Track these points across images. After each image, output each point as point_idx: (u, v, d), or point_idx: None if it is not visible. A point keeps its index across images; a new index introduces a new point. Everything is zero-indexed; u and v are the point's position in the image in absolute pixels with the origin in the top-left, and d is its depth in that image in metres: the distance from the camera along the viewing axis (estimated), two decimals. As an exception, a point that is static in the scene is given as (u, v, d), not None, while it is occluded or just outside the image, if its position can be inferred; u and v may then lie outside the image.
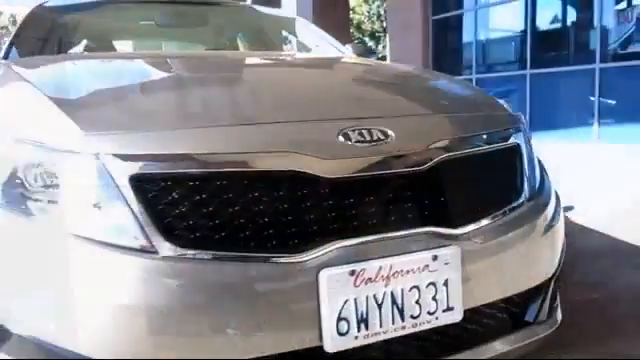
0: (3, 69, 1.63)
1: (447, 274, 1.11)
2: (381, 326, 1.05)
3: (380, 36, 22.32)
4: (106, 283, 0.95)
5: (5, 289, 1.01)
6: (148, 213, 0.96)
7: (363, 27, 23.59)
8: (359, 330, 1.03)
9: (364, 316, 1.03)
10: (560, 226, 1.39)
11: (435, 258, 1.10)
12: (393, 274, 1.06)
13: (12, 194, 1.03)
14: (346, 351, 1.03)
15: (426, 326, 1.10)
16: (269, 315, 0.99)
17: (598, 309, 1.96)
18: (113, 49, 2.46)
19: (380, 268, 1.04)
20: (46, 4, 2.54)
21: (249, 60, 2.09)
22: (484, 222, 1.20)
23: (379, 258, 1.05)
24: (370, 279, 1.04)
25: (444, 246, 1.11)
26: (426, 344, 1.15)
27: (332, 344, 1.01)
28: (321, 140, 1.09)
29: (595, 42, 7.42)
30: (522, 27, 8.69)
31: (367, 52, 2.76)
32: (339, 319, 1.01)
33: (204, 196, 0.99)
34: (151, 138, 1.02)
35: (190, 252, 0.96)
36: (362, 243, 1.05)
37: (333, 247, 1.02)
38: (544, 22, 8.66)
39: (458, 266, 1.12)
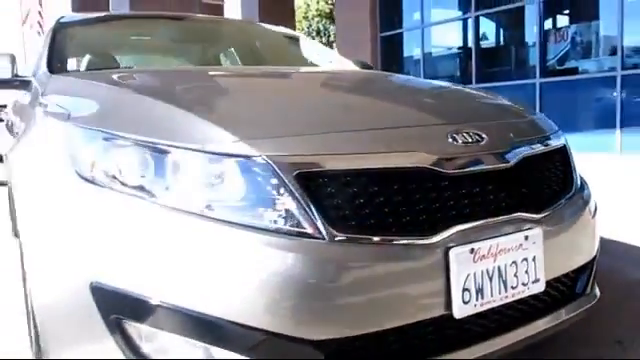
0: (93, 84, 1.71)
1: (534, 251, 1.34)
2: (491, 295, 1.26)
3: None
4: (277, 265, 1.10)
5: (171, 273, 1.13)
6: (312, 204, 1.12)
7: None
8: (477, 299, 1.24)
9: (480, 287, 1.24)
10: (597, 215, 1.66)
11: (526, 238, 1.32)
12: (499, 252, 1.27)
13: (177, 191, 1.16)
14: (467, 317, 1.23)
15: (520, 296, 1.32)
16: (412, 288, 1.18)
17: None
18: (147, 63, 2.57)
19: (490, 247, 1.26)
20: (70, 18, 2.61)
21: (316, 75, 2.28)
22: (553, 208, 1.44)
23: (488, 239, 1.26)
24: (483, 256, 1.25)
25: (531, 228, 1.34)
26: (517, 313, 1.37)
27: (459, 311, 1.21)
28: (436, 141, 1.29)
29: (535, 59, 8.06)
30: (468, 44, 9.28)
31: (366, 66, 3.00)
32: (464, 290, 1.21)
33: (354, 189, 1.17)
34: (308, 142, 1.19)
35: (349, 236, 1.13)
36: (475, 226, 1.26)
37: (455, 230, 1.22)
38: (487, 40, 9.29)
39: (541, 244, 1.35)
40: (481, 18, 9.04)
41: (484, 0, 8.81)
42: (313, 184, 1.14)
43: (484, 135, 1.36)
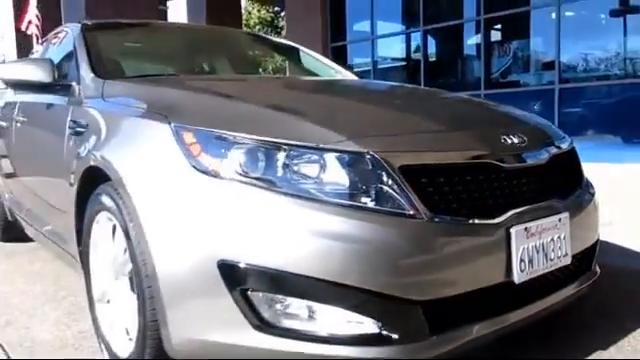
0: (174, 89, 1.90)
1: (564, 231, 1.66)
2: (538, 265, 1.56)
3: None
4: (386, 239, 1.34)
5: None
6: (413, 191, 1.38)
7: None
8: (529, 268, 1.54)
9: (531, 258, 1.54)
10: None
11: (560, 220, 1.64)
12: (542, 230, 1.58)
13: (295, 181, 1.39)
14: (522, 283, 1.53)
15: (555, 267, 1.63)
16: (484, 258, 1.46)
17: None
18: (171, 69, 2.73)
19: (537, 226, 1.56)
20: (95, 25, 2.73)
21: (366, 85, 2.58)
22: (573, 197, 1.77)
23: (535, 220, 1.57)
24: (533, 234, 1.55)
25: (561, 212, 1.67)
26: (552, 281, 1.68)
27: (518, 277, 1.50)
28: (496, 142, 1.59)
29: (480, 71, 8.69)
30: (417, 56, 9.83)
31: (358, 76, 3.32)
32: (520, 260, 1.51)
33: (441, 179, 1.44)
34: (406, 140, 1.46)
35: (440, 217, 1.40)
36: (526, 210, 1.56)
37: (513, 212, 1.52)
38: (435, 53, 9.87)
39: (568, 226, 1.68)
40: (429, 32, 9.60)
41: (432, 16, 9.38)
42: (412, 175, 1.40)
43: (524, 137, 1.67)
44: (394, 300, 1.34)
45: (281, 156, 1.42)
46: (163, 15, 14.47)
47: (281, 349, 1.36)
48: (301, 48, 3.34)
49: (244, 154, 1.43)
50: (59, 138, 2.25)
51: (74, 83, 2.31)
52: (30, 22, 3.35)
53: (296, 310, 1.37)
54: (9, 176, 3.47)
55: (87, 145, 1.90)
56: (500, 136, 1.62)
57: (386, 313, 1.35)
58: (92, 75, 2.25)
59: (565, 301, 1.74)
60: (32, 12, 3.27)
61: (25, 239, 3.92)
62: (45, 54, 3.22)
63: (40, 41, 3.62)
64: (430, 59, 9.70)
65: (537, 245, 1.56)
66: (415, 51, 9.85)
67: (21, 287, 2.88)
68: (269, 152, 1.42)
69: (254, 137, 1.44)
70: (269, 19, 25.91)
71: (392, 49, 10.69)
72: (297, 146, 1.41)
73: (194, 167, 1.45)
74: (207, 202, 1.42)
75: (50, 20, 11.98)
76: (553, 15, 7.63)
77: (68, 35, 2.89)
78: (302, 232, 1.34)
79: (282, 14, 27.08)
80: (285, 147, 1.42)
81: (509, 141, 1.62)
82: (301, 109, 1.70)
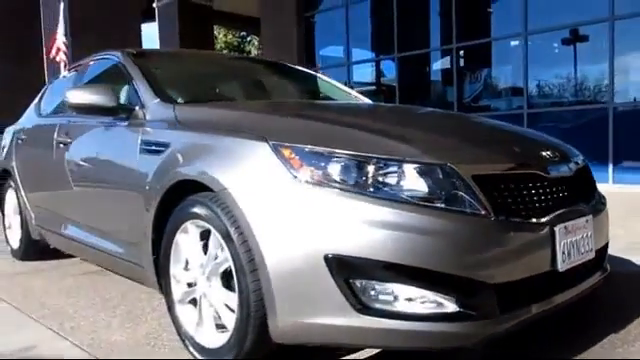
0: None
1: (590, 230, 2.01)
2: (573, 257, 1.90)
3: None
4: (464, 234, 1.64)
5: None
6: (483, 195, 1.70)
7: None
8: (568, 260, 1.87)
9: (569, 251, 1.87)
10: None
11: (587, 221, 1.99)
12: (575, 229, 1.92)
13: (386, 187, 1.69)
14: (563, 271, 1.86)
15: (583, 260, 1.97)
16: (536, 251, 1.78)
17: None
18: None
19: (572, 225, 1.90)
20: (142, 52, 2.98)
21: (403, 108, 2.93)
22: (593, 202, 2.13)
23: (571, 220, 1.91)
24: (570, 231, 1.89)
25: (586, 214, 2.02)
26: (581, 272, 2.02)
27: (561, 267, 1.83)
28: (540, 156, 1.94)
29: (453, 96, 9.22)
30: (390, 82, 10.32)
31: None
32: (562, 253, 1.84)
33: (503, 186, 1.76)
34: (475, 154, 1.79)
35: (504, 217, 1.72)
36: (564, 212, 1.90)
37: (555, 214, 1.86)
38: (410, 78, 10.38)
39: (592, 226, 2.03)
40: (402, 59, 10.11)
41: (405, 43, 9.89)
42: (480, 182, 1.72)
43: (556, 153, 2.03)
44: (473, 283, 1.64)
45: (371, 168, 1.71)
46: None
47: (379, 327, 1.63)
48: (319, 75, 3.66)
49: (340, 166, 1.72)
50: (127, 157, 2.47)
51: (137, 107, 2.54)
52: (59, 50, 3.51)
53: (391, 294, 1.65)
54: (40, 195, 3.62)
55: (174, 162, 2.13)
56: (540, 152, 1.97)
57: (466, 294, 1.65)
58: (157, 100, 2.49)
59: (589, 290, 2.08)
60: (60, 40, 3.45)
61: (44, 257, 4.06)
62: (82, 80, 3.42)
63: (68, 67, 3.80)
64: (404, 84, 10.20)
65: (572, 241, 1.90)
66: (391, 77, 10.34)
67: (68, 300, 3.03)
68: (361, 164, 1.72)
69: (348, 152, 1.73)
70: (235, 44, 26.27)
71: (366, 75, 11.16)
72: (386, 159, 1.71)
73: (296, 178, 1.73)
74: (310, 206, 1.70)
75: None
76: (520, 45, 8.24)
77: (112, 62, 3.13)
78: (394, 229, 1.63)
79: (248, 39, 27.59)
80: (375, 160, 1.72)
81: (547, 156, 1.97)
82: (375, 128, 2.01)
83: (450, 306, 1.64)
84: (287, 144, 1.80)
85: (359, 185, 1.69)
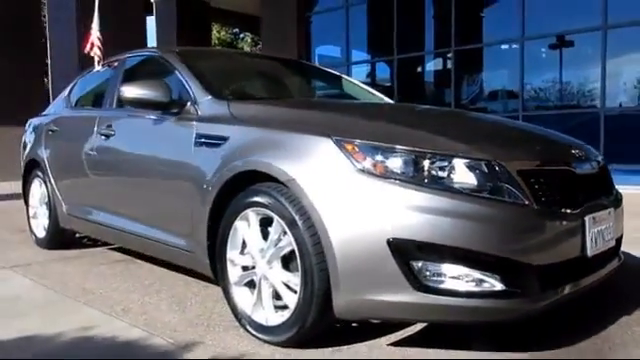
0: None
1: (611, 221, 2.24)
2: (599, 245, 2.13)
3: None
4: (510, 221, 1.86)
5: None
6: (528, 189, 1.91)
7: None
8: (595, 246, 2.09)
9: (595, 239, 2.10)
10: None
11: (609, 213, 2.22)
12: (601, 220, 2.15)
13: (442, 179, 1.89)
14: (591, 257, 2.08)
15: (606, 247, 2.20)
16: (570, 237, 2.00)
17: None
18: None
19: (599, 216, 2.13)
20: (188, 51, 3.16)
21: (440, 109, 3.25)
22: (613, 197, 2.37)
23: (597, 211, 2.13)
24: (596, 221, 2.11)
25: (608, 207, 2.25)
26: (604, 257, 2.24)
27: (590, 252, 2.06)
28: (571, 154, 2.17)
29: (450, 97, 9.49)
30: (388, 82, 10.56)
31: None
32: (590, 240, 2.07)
33: (542, 179, 1.98)
34: (518, 151, 2.01)
35: (543, 207, 1.94)
36: (591, 204, 2.13)
37: (585, 205, 2.08)
38: (408, 80, 10.63)
39: (613, 217, 2.26)
40: (401, 61, 10.35)
41: (403, 45, 10.14)
42: (523, 176, 1.94)
43: (582, 152, 2.26)
44: (518, 264, 1.86)
45: (427, 162, 1.92)
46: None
47: (434, 303, 1.84)
48: (344, 76, 3.87)
49: (400, 160, 1.92)
50: (180, 149, 2.64)
51: (189, 103, 2.72)
52: (92, 45, 3.63)
53: (444, 273, 1.85)
54: (74, 184, 3.76)
55: (235, 154, 2.31)
56: (569, 151, 2.20)
57: (511, 274, 1.86)
58: (209, 97, 2.67)
59: (608, 275, 2.31)
60: (95, 35, 3.58)
61: (68, 246, 4.20)
62: (118, 75, 3.57)
63: (102, 62, 3.95)
64: (402, 85, 10.45)
65: (599, 230, 2.13)
66: (387, 78, 10.59)
67: (108, 285, 3.18)
68: (418, 159, 1.92)
69: (407, 148, 1.94)
70: (229, 40, 26.35)
71: (364, 75, 11.39)
72: (440, 154, 1.92)
73: (360, 170, 1.93)
74: (374, 195, 1.89)
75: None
76: (516, 50, 8.54)
77: (152, 59, 3.29)
78: (449, 216, 1.83)
79: (241, 36, 27.71)
80: (430, 155, 1.92)
81: (575, 154, 2.20)
82: (426, 126, 2.22)
83: (497, 285, 1.85)
84: (350, 139, 2.00)
85: (417, 177, 1.90)
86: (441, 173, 1.91)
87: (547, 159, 2.12)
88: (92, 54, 3.81)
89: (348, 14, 10.75)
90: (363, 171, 1.93)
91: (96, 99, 3.76)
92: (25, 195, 4.57)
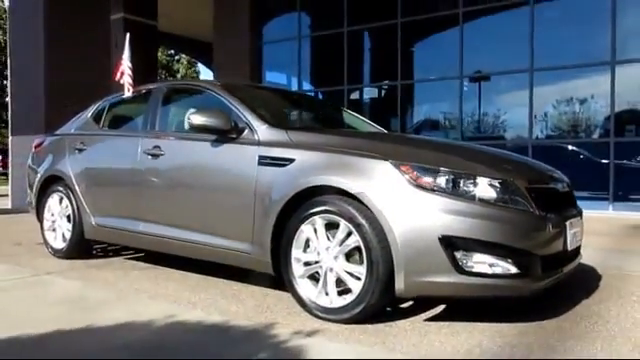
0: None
1: (579, 226, 3.08)
2: (573, 243, 2.94)
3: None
4: (520, 222, 2.60)
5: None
6: (532, 201, 2.69)
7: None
8: (571, 244, 2.90)
9: (572, 239, 2.91)
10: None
11: (578, 220, 3.06)
12: (574, 225, 2.97)
13: (476, 194, 2.64)
14: (569, 251, 2.90)
15: (575, 245, 3.03)
16: (557, 237, 2.79)
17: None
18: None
19: (573, 222, 2.95)
20: (224, 82, 3.75)
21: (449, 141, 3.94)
22: (577, 209, 3.22)
23: (571, 218, 2.96)
24: (572, 225, 2.93)
25: (577, 216, 3.09)
26: (574, 253, 3.07)
27: (569, 247, 2.87)
28: (553, 177, 2.99)
29: (397, 125, 10.45)
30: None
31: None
32: (569, 239, 2.88)
33: (538, 195, 2.76)
34: (525, 174, 2.79)
35: (542, 213, 2.72)
36: (569, 213, 2.95)
37: (565, 214, 2.90)
38: (357, 109, 11.51)
39: (580, 224, 3.10)
40: (351, 91, 11.24)
41: (353, 77, 11.02)
42: (530, 192, 2.71)
43: (558, 175, 3.10)
44: (528, 253, 2.62)
45: (462, 180, 2.65)
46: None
47: (470, 282, 2.55)
48: (344, 109, 4.61)
49: (444, 178, 2.64)
50: (244, 168, 3.20)
51: (246, 130, 3.31)
52: (123, 73, 3.95)
53: (478, 261, 2.57)
54: (110, 199, 4.16)
55: (303, 173, 2.93)
56: (552, 174, 3.04)
57: (523, 260, 2.61)
58: (266, 125, 3.28)
59: (575, 266, 3.14)
60: (125, 64, 3.90)
61: (85, 257, 4.52)
62: (157, 103, 4.06)
63: (132, 90, 4.40)
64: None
65: (574, 232, 2.95)
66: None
67: (157, 285, 3.60)
68: (457, 178, 2.65)
69: (448, 169, 2.66)
70: (165, 62, 26.38)
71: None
72: (474, 174, 2.66)
73: (415, 186, 2.63)
74: (426, 203, 2.59)
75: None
76: (456, 84, 9.68)
77: (199, 90, 3.86)
78: (481, 218, 2.56)
79: (176, 58, 27.88)
80: (465, 175, 2.66)
81: (555, 177, 3.04)
82: (455, 154, 2.96)
83: (512, 268, 2.59)
84: (403, 162, 2.70)
85: (455, 191, 2.63)
86: (472, 188, 2.64)
87: (539, 179, 2.92)
88: (122, 82, 4.27)
89: (300, 45, 11.51)
90: (417, 186, 2.63)
91: (131, 122, 4.20)
92: (39, 209, 4.84)
